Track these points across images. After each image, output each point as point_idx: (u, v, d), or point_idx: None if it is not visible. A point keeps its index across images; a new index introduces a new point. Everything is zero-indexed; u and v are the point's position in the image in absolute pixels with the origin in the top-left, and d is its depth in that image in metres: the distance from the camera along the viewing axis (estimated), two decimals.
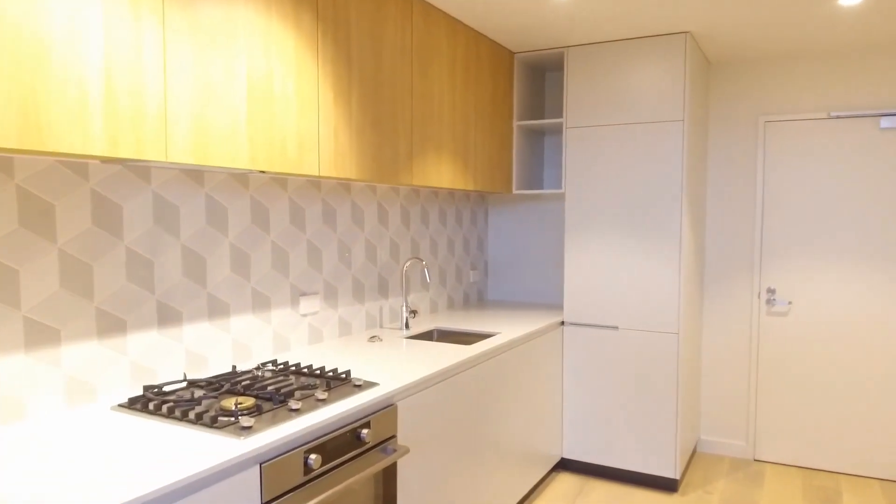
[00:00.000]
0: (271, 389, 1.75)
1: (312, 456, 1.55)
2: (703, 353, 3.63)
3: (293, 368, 2.04)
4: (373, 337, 2.59)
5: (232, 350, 2.12)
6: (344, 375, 1.93)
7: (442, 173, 2.72)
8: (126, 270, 1.77)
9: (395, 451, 1.84)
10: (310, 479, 1.56)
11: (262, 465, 1.43)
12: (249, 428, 1.49)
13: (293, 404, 1.62)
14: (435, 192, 3.29)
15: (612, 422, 3.17)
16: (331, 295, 2.57)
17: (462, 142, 2.88)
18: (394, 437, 1.89)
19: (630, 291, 3.09)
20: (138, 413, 1.60)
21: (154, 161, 1.50)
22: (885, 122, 3.19)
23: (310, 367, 2.02)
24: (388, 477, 1.86)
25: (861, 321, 3.28)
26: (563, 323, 3.26)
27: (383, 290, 2.91)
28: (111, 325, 1.74)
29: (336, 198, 2.58)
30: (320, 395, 1.72)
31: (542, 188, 3.73)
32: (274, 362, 2.10)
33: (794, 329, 3.43)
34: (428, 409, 2.08)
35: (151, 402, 1.65)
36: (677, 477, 3.06)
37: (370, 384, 1.88)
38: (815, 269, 3.36)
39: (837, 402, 3.35)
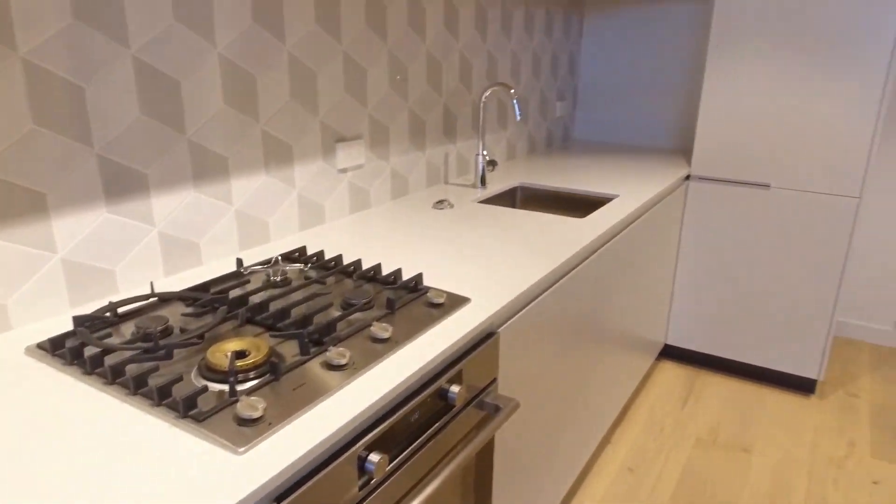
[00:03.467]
0: (297, 316, 1.03)
1: (373, 456, 0.86)
2: (860, 219, 2.79)
3: (332, 265, 1.30)
4: (440, 202, 1.81)
5: (236, 229, 1.38)
6: (413, 284, 1.19)
7: None
8: (26, 97, 0.97)
9: (498, 408, 1.14)
10: (367, 494, 0.89)
11: None
12: (256, 421, 0.78)
13: (335, 356, 0.90)
14: None
15: (740, 304, 2.45)
16: (379, 140, 1.76)
17: None
18: (494, 382, 1.19)
19: (794, 138, 2.20)
20: (61, 367, 0.90)
21: None
22: None
23: (357, 263, 1.29)
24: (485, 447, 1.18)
25: None
26: (688, 177, 2.42)
27: (450, 129, 2.07)
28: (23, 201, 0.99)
29: None
30: (379, 330, 0.99)
31: None
32: (301, 252, 1.36)
33: None
34: (534, 329, 1.36)
35: (86, 346, 0.94)
36: (819, 378, 2.40)
37: (457, 300, 1.15)
38: None
39: None
